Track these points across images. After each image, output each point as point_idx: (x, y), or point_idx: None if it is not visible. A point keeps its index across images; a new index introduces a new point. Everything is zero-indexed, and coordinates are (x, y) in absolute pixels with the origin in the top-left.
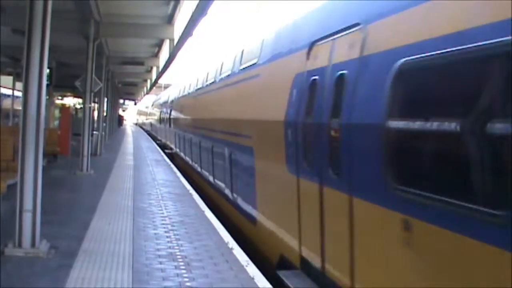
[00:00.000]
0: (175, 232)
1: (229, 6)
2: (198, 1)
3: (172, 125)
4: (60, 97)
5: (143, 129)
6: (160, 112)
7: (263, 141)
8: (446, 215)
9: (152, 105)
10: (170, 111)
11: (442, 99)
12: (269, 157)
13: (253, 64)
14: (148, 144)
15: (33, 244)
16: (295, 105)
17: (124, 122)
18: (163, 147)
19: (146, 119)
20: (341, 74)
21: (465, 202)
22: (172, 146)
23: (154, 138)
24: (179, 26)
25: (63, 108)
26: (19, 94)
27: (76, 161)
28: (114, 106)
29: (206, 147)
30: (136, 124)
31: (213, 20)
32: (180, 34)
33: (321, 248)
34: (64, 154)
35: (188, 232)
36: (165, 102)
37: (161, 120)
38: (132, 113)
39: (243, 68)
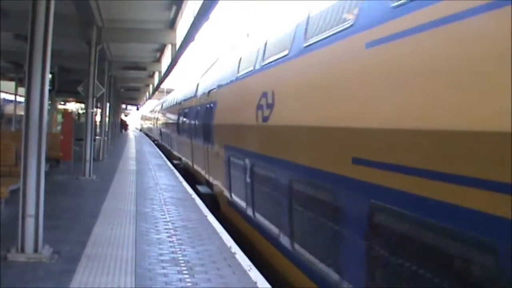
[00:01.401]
0: (177, 236)
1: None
2: (200, 5)
3: (215, 140)
4: (62, 102)
5: (149, 137)
6: (179, 115)
7: None
8: None
9: (162, 106)
10: (212, 110)
11: None
12: None
13: None
14: (151, 149)
15: (35, 249)
16: None
17: (128, 128)
18: (185, 172)
19: (154, 125)
20: None
21: None
22: (217, 183)
23: (168, 155)
24: (181, 31)
25: (65, 113)
26: (22, 99)
27: (78, 166)
28: (116, 111)
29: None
30: (140, 130)
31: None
32: (182, 39)
33: None
34: (66, 159)
35: (190, 237)
36: (191, 98)
37: (180, 128)
38: (135, 118)
39: None
